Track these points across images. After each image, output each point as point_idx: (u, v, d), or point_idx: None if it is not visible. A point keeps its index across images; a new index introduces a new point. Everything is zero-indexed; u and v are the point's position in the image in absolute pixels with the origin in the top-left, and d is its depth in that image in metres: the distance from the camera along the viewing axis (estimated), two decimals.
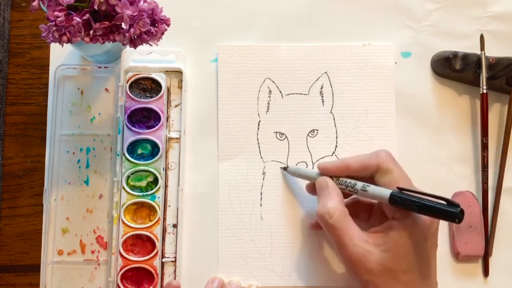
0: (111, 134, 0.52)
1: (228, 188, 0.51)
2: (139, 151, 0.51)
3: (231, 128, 0.52)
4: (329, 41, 0.54)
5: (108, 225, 0.51)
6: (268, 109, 0.53)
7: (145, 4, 0.43)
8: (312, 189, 0.47)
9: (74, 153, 0.52)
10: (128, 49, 0.51)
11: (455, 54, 0.52)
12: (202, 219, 0.51)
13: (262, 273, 0.50)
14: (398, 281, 0.40)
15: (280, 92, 0.53)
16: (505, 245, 0.51)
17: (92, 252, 0.51)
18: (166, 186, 0.51)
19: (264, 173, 0.52)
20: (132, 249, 0.50)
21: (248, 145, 0.52)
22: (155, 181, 0.51)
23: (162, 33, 0.45)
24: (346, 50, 0.54)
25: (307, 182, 0.49)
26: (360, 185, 0.43)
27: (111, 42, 0.43)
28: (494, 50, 0.52)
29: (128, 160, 0.50)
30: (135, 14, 0.42)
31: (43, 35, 0.41)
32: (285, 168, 0.51)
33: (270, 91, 0.53)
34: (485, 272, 0.50)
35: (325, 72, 0.53)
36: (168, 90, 0.53)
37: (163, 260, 0.50)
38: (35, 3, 0.41)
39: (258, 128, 0.52)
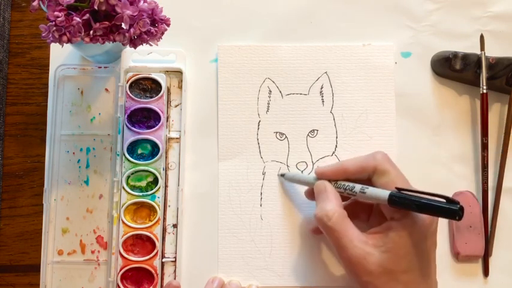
0: (111, 134, 0.52)
1: (228, 188, 0.51)
2: (139, 151, 0.51)
3: (231, 128, 0.52)
4: (329, 41, 0.54)
5: (108, 225, 0.51)
6: (268, 109, 0.53)
7: (145, 4, 0.43)
8: (311, 195, 0.47)
9: (74, 153, 0.52)
10: (128, 49, 0.51)
11: (455, 54, 0.52)
12: (202, 219, 0.51)
13: (262, 273, 0.50)
14: (399, 281, 0.40)
15: (280, 92, 0.53)
16: (505, 245, 0.51)
17: (92, 252, 0.51)
18: (166, 186, 0.51)
19: (264, 173, 0.52)
20: (132, 249, 0.50)
21: (248, 145, 0.52)
22: (155, 181, 0.51)
23: (162, 33, 0.45)
24: (346, 50, 0.54)
25: (306, 187, 0.49)
26: (358, 187, 0.43)
27: (111, 42, 0.43)
28: (494, 50, 0.52)
29: (128, 160, 0.50)
30: (135, 14, 0.42)
31: (43, 35, 0.41)
32: (282, 175, 0.51)
33: (270, 91, 0.53)
34: (485, 272, 0.50)
35: (325, 72, 0.53)
36: (168, 90, 0.53)
37: (163, 260, 0.50)
38: (35, 3, 0.41)
39: (258, 128, 0.52)
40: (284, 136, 0.52)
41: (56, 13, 0.40)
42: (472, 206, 0.50)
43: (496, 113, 0.53)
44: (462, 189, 0.51)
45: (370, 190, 0.42)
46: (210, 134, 0.52)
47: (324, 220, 0.42)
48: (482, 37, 0.52)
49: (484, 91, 0.51)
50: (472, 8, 0.55)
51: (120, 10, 0.41)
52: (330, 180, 0.45)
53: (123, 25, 0.42)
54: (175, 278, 0.49)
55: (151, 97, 0.52)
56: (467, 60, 0.51)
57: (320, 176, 0.46)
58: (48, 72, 0.54)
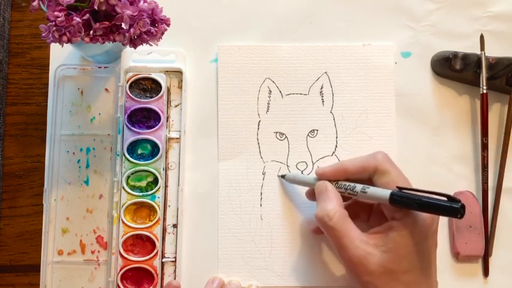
0: (111, 134, 0.52)
1: (228, 188, 0.51)
2: (139, 151, 0.51)
3: (231, 128, 0.52)
4: (329, 41, 0.54)
5: (108, 225, 0.51)
6: (268, 109, 0.53)
7: (145, 4, 0.43)
8: (312, 195, 0.47)
9: (74, 153, 0.52)
10: (128, 49, 0.51)
11: (455, 54, 0.52)
12: (202, 219, 0.51)
13: (262, 273, 0.50)
14: (399, 281, 0.40)
15: (280, 92, 0.53)
16: (505, 245, 0.51)
17: (92, 252, 0.51)
18: (166, 186, 0.51)
19: (264, 173, 0.52)
20: (132, 249, 0.50)
21: (248, 145, 0.52)
22: (155, 181, 0.51)
23: (162, 33, 0.45)
24: (346, 50, 0.54)
25: (306, 188, 0.49)
26: (359, 187, 0.43)
27: (111, 42, 0.43)
28: (494, 50, 0.52)
29: (128, 160, 0.50)
30: (135, 14, 0.42)
31: (43, 35, 0.41)
32: (283, 176, 0.51)
33: (270, 91, 0.53)
34: (485, 272, 0.50)
35: (325, 72, 0.53)
36: (168, 90, 0.53)
37: (163, 260, 0.50)
38: (35, 3, 0.41)
39: (258, 128, 0.52)
40: (284, 136, 0.52)
41: (56, 13, 0.40)
42: (472, 206, 0.50)
43: (496, 113, 0.53)
44: (462, 189, 0.51)
45: (371, 190, 0.42)
46: (210, 134, 0.52)
47: (325, 220, 0.42)
48: (482, 37, 0.52)
49: (484, 91, 0.51)
50: (472, 8, 0.55)
51: (120, 10, 0.41)
52: (330, 181, 0.45)
53: (123, 25, 0.42)
54: (175, 278, 0.49)
55: (151, 97, 0.52)
56: (467, 60, 0.51)
57: (321, 177, 0.46)
58: (48, 72, 0.54)
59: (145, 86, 0.52)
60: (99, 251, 0.51)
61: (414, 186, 0.42)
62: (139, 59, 0.53)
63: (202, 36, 0.54)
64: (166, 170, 0.51)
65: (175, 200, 0.51)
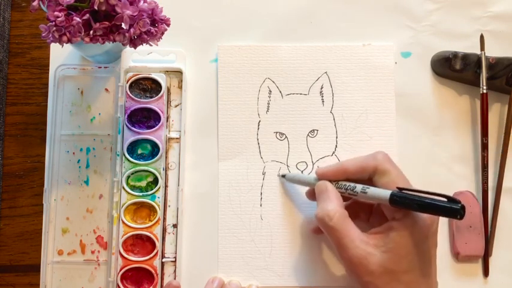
0: (111, 134, 0.52)
1: (228, 188, 0.51)
2: (139, 151, 0.51)
3: (231, 128, 0.52)
4: (329, 41, 0.54)
5: (108, 225, 0.51)
6: (268, 109, 0.53)
7: (145, 4, 0.43)
8: (312, 195, 0.47)
9: (74, 153, 0.52)
10: (128, 49, 0.51)
11: (455, 54, 0.52)
12: (202, 219, 0.51)
13: (262, 273, 0.50)
14: (400, 281, 0.40)
15: (280, 92, 0.53)
16: (505, 245, 0.51)
17: (92, 252, 0.51)
18: (166, 186, 0.51)
19: (264, 173, 0.52)
20: (132, 249, 0.50)
21: (248, 145, 0.52)
22: (155, 181, 0.51)
23: (162, 33, 0.45)
24: (346, 50, 0.54)
25: (306, 188, 0.49)
26: (359, 187, 0.43)
27: (111, 42, 0.43)
28: (494, 50, 0.52)
29: (128, 160, 0.50)
30: (135, 14, 0.42)
31: (43, 35, 0.41)
32: (283, 176, 0.51)
33: (270, 91, 0.53)
34: (485, 272, 0.50)
35: (325, 72, 0.53)
36: (168, 90, 0.53)
37: (163, 260, 0.50)
38: (35, 3, 0.41)
39: (258, 128, 0.52)
40: (284, 136, 0.52)
41: (56, 13, 0.40)
42: (472, 206, 0.50)
43: (496, 113, 0.53)
44: (462, 189, 0.51)
45: (372, 190, 0.42)
46: (210, 134, 0.52)
47: (326, 220, 0.42)
48: (482, 37, 0.52)
49: (484, 91, 0.51)
50: (472, 8, 0.55)
51: (120, 10, 0.41)
52: (331, 181, 0.45)
53: (123, 25, 0.42)
54: (175, 278, 0.49)
55: (151, 97, 0.52)
56: (467, 60, 0.51)
57: (321, 177, 0.46)
58: (48, 72, 0.54)
59: (145, 86, 0.52)
60: (99, 251, 0.51)
61: (414, 186, 0.42)
62: (139, 59, 0.53)
63: (202, 36, 0.54)
64: (166, 170, 0.51)
65: (175, 200, 0.51)
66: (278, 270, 0.50)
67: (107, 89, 0.53)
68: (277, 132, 0.52)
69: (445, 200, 0.37)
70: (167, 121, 0.52)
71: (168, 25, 0.45)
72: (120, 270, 0.49)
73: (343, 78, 0.53)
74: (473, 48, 0.52)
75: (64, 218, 0.51)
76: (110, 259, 0.50)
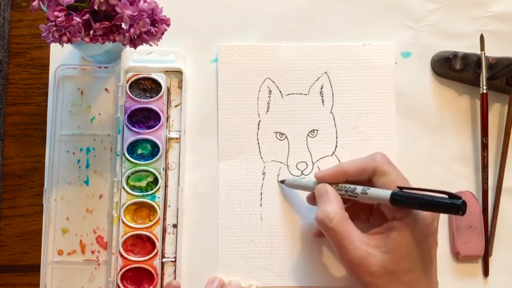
0: (111, 134, 0.52)
1: (228, 188, 0.51)
2: (139, 151, 0.51)
3: (231, 128, 0.52)
4: (329, 41, 0.54)
5: (108, 225, 0.51)
6: (268, 109, 0.53)
7: (145, 4, 0.43)
8: (313, 200, 0.47)
9: (74, 153, 0.52)
10: (128, 49, 0.51)
11: (455, 54, 0.52)
12: (202, 219, 0.51)
13: (262, 273, 0.50)
14: (400, 281, 0.40)
15: (280, 92, 0.53)
16: (505, 245, 0.51)
17: (92, 252, 0.51)
18: (166, 186, 0.51)
19: (264, 173, 0.52)
20: (132, 249, 0.50)
21: (248, 145, 0.52)
22: (155, 181, 0.51)
23: (162, 33, 0.45)
24: (346, 50, 0.54)
25: (306, 193, 0.49)
26: (359, 188, 0.43)
27: (111, 42, 0.43)
28: (494, 50, 0.52)
29: (128, 160, 0.50)
30: (135, 14, 0.42)
31: (43, 35, 0.41)
32: (282, 182, 0.51)
33: (270, 91, 0.53)
34: (485, 272, 0.50)
35: (325, 72, 0.53)
36: (168, 90, 0.53)
37: (163, 260, 0.50)
38: (35, 3, 0.41)
39: (258, 128, 0.52)
40: (284, 136, 0.52)
41: (56, 13, 0.40)
42: (472, 206, 0.50)
43: (496, 113, 0.53)
44: (462, 189, 0.51)
45: (372, 191, 0.42)
46: (210, 134, 0.52)
47: (326, 222, 0.42)
48: (482, 37, 0.52)
49: (484, 91, 0.51)
50: (472, 8, 0.55)
51: (120, 10, 0.41)
52: (330, 184, 0.45)
53: (123, 25, 0.42)
54: (175, 278, 0.49)
55: (151, 97, 0.52)
56: (467, 60, 0.51)
57: (320, 180, 0.46)
58: (48, 72, 0.54)
59: (145, 86, 0.52)
60: (99, 251, 0.51)
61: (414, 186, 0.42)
62: (139, 59, 0.53)
63: (202, 36, 0.54)
64: (166, 170, 0.51)
65: (175, 200, 0.51)
66: (278, 270, 0.50)
67: (107, 89, 0.53)
68: (277, 132, 0.52)
69: (445, 196, 0.37)
70: (167, 121, 0.52)
71: (168, 25, 0.45)
72: (120, 270, 0.49)
73: (343, 78, 0.53)
74: (473, 48, 0.52)
75: (64, 218, 0.51)
76: (110, 259, 0.50)
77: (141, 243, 0.50)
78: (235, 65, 0.53)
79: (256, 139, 0.52)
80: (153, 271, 0.49)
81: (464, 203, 0.36)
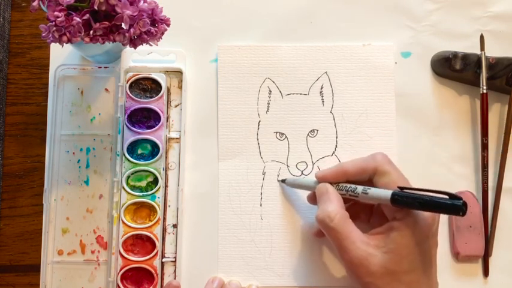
0: (111, 134, 0.52)
1: (228, 188, 0.51)
2: (139, 151, 0.51)
3: (231, 128, 0.52)
4: (329, 41, 0.54)
5: (108, 225, 0.51)
6: (268, 109, 0.53)
7: (145, 4, 0.43)
8: (313, 199, 0.47)
9: (74, 153, 0.52)
10: (128, 49, 0.51)
11: (455, 54, 0.52)
12: (202, 219, 0.51)
13: (262, 273, 0.50)
14: (401, 282, 0.40)
15: (280, 92, 0.53)
16: (505, 245, 0.51)
17: (92, 252, 0.51)
18: (166, 186, 0.51)
19: (264, 173, 0.52)
20: (132, 249, 0.50)
21: (248, 145, 0.52)
22: (155, 181, 0.51)
23: (162, 33, 0.45)
24: (346, 50, 0.54)
25: (307, 192, 0.49)
26: (360, 188, 0.43)
27: (111, 42, 0.43)
28: (494, 50, 0.52)
29: (128, 160, 0.50)
30: (135, 14, 0.42)
31: (43, 35, 0.41)
32: (283, 181, 0.51)
33: (270, 91, 0.53)
34: (485, 272, 0.50)
35: (325, 72, 0.53)
36: (168, 90, 0.53)
37: (163, 260, 0.50)
38: (35, 3, 0.41)
39: (258, 128, 0.52)
40: (284, 136, 0.52)
41: (56, 13, 0.40)
42: (472, 206, 0.50)
43: (496, 113, 0.53)
44: (462, 189, 0.51)
45: (373, 191, 0.42)
46: (210, 134, 0.52)
47: (326, 221, 0.42)
48: (482, 37, 0.52)
49: (484, 91, 0.51)
50: (472, 8, 0.55)
51: (120, 10, 0.41)
52: (331, 183, 0.45)
53: (123, 25, 0.42)
54: (175, 278, 0.49)
55: (151, 97, 0.52)
56: (467, 60, 0.51)
57: (321, 179, 0.46)
58: (48, 72, 0.54)
59: (145, 86, 0.52)
60: (99, 251, 0.51)
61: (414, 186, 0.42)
62: (139, 59, 0.53)
63: (202, 36, 0.54)
64: (166, 170, 0.51)
65: (175, 200, 0.51)
66: (278, 270, 0.50)
67: (107, 89, 0.53)
68: (277, 132, 0.52)
69: (446, 197, 0.37)
70: (167, 121, 0.52)
71: (168, 25, 0.45)
72: (120, 270, 0.49)
73: (343, 78, 0.53)
74: (473, 48, 0.52)
75: (64, 218, 0.51)
76: (110, 259, 0.50)
77: (141, 243, 0.50)
78: (235, 65, 0.53)
79: (256, 139, 0.52)
80: (153, 271, 0.49)
81: (464, 204, 0.36)
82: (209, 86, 0.53)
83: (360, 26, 0.54)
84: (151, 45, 0.45)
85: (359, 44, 0.54)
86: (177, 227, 0.50)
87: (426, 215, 0.41)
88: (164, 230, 0.50)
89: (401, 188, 0.40)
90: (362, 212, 0.48)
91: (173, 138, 0.52)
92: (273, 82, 0.53)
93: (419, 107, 0.53)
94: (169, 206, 0.51)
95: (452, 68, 0.52)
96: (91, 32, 0.41)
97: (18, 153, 0.53)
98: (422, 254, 0.41)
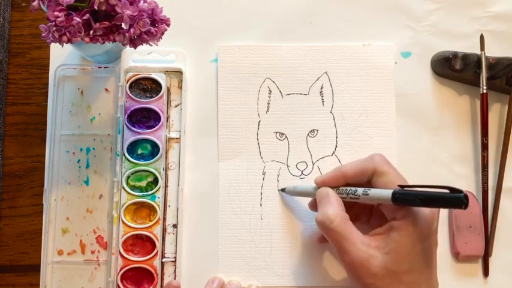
0: (111, 134, 0.52)
1: (228, 188, 0.51)
2: (139, 151, 0.51)
3: (231, 128, 0.52)
4: (329, 41, 0.54)
5: (108, 225, 0.51)
6: (268, 109, 0.53)
7: (145, 4, 0.43)
8: (315, 206, 0.47)
9: (74, 153, 0.52)
10: (128, 49, 0.51)
11: (455, 54, 0.52)
12: (202, 219, 0.51)
13: (262, 273, 0.50)
14: (401, 282, 0.40)
15: (280, 92, 0.53)
16: (505, 245, 0.51)
17: (92, 252, 0.51)
18: (166, 186, 0.51)
19: (264, 173, 0.52)
20: (132, 249, 0.50)
21: (248, 145, 0.52)
22: (155, 181, 0.51)
23: (162, 33, 0.45)
24: (346, 50, 0.54)
25: (307, 199, 0.49)
26: (360, 190, 0.43)
27: (111, 42, 0.43)
28: (494, 50, 0.52)
29: (128, 160, 0.50)
30: (135, 14, 0.42)
31: (43, 35, 0.41)
32: (283, 190, 0.51)
33: (270, 91, 0.53)
34: (485, 272, 0.50)
35: (325, 72, 0.53)
36: (168, 90, 0.53)
37: (163, 260, 0.50)
38: (35, 3, 0.41)
39: (258, 128, 0.52)
40: (284, 136, 0.52)
41: (56, 13, 0.40)
42: (472, 206, 0.50)
43: (496, 113, 0.53)
44: (462, 189, 0.51)
45: (373, 191, 0.42)
46: (210, 134, 0.52)
47: (326, 223, 0.42)
48: (482, 37, 0.52)
49: (484, 91, 0.51)
50: (472, 8, 0.55)
51: (120, 10, 0.41)
52: (331, 187, 0.45)
53: (123, 25, 0.42)
54: (175, 278, 0.49)
55: (151, 97, 0.52)
56: (467, 60, 0.51)
57: (320, 184, 0.46)
58: (48, 72, 0.54)
59: (145, 86, 0.52)
60: (99, 251, 0.51)
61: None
62: (139, 59, 0.53)
63: (202, 36, 0.54)
64: (166, 170, 0.51)
65: (175, 200, 0.51)
66: (278, 270, 0.50)
67: (107, 89, 0.53)
68: (277, 132, 0.52)
69: (447, 191, 0.37)
70: (167, 121, 0.52)
71: (168, 25, 0.45)
72: (120, 270, 0.49)
73: (343, 78, 0.53)
74: (473, 48, 0.52)
75: (64, 218, 0.51)
76: (110, 259, 0.50)
77: (141, 243, 0.50)
78: (235, 65, 0.53)
79: (256, 139, 0.52)
80: (153, 271, 0.49)
81: (466, 197, 0.35)
82: (209, 86, 0.53)
83: (360, 26, 0.54)
84: (151, 45, 0.45)
85: (359, 44, 0.54)
86: (177, 227, 0.50)
87: (426, 213, 0.41)
88: (164, 230, 0.50)
89: (402, 186, 0.40)
90: (361, 213, 0.48)
91: (173, 138, 0.52)
92: (273, 82, 0.53)
93: (419, 107, 0.53)
94: (169, 206, 0.51)
95: (452, 68, 0.52)
96: (91, 32, 0.41)
97: (18, 153, 0.53)
98: (423, 253, 0.41)
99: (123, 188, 0.50)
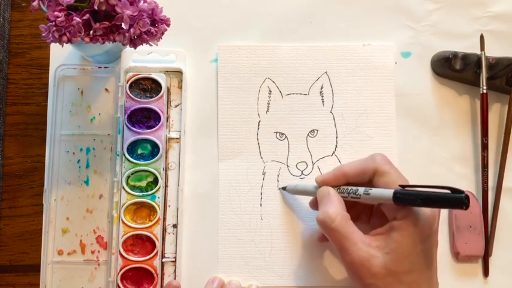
0: (111, 134, 0.52)
1: (228, 188, 0.51)
2: (139, 151, 0.51)
3: (231, 128, 0.52)
4: (329, 41, 0.54)
5: (108, 225, 0.51)
6: (268, 109, 0.53)
7: (145, 4, 0.43)
8: (315, 205, 0.47)
9: (74, 153, 0.52)
10: (128, 49, 0.51)
11: (455, 54, 0.52)
12: (202, 219, 0.51)
13: (262, 273, 0.50)
14: (402, 282, 0.40)
15: (280, 92, 0.53)
16: (505, 245, 0.51)
17: (92, 252, 0.51)
18: (166, 186, 0.51)
19: (264, 173, 0.52)
20: (132, 249, 0.50)
21: (248, 145, 0.52)
22: (155, 181, 0.51)
23: (162, 33, 0.45)
24: (346, 50, 0.54)
25: (307, 198, 0.49)
26: (361, 190, 0.43)
27: (111, 42, 0.43)
28: (494, 50, 0.52)
29: (128, 160, 0.50)
30: (135, 14, 0.42)
31: (43, 35, 0.41)
32: (284, 188, 0.51)
33: (270, 91, 0.53)
34: (485, 272, 0.50)
35: (325, 72, 0.53)
36: (168, 90, 0.53)
37: (163, 260, 0.50)
38: (35, 3, 0.41)
39: (258, 128, 0.52)
40: (284, 136, 0.52)
41: (56, 13, 0.40)
42: (472, 206, 0.50)
43: (496, 113, 0.53)
44: (462, 189, 0.51)
45: (374, 191, 0.42)
46: (210, 134, 0.52)
47: (327, 222, 0.42)
48: (482, 37, 0.52)
49: (484, 91, 0.51)
50: (472, 8, 0.55)
51: (120, 10, 0.41)
52: (332, 187, 0.45)
53: (123, 25, 0.42)
54: (175, 278, 0.49)
55: (151, 97, 0.52)
56: (467, 60, 0.51)
57: (321, 184, 0.46)
58: (48, 72, 0.54)
59: (145, 86, 0.52)
60: (99, 251, 0.51)
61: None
62: (139, 59, 0.53)
63: (202, 36, 0.54)
64: (166, 170, 0.51)
65: (175, 200, 0.51)
66: (278, 270, 0.50)
67: (107, 89, 0.53)
68: (277, 132, 0.52)
69: (448, 191, 0.37)
70: (167, 121, 0.52)
71: (168, 25, 0.45)
72: (120, 270, 0.49)
73: (343, 78, 0.53)
74: (473, 48, 0.52)
75: (64, 218, 0.51)
76: (110, 259, 0.50)
77: (141, 243, 0.50)
78: (235, 65, 0.53)
79: (256, 139, 0.52)
80: (153, 271, 0.49)
81: (467, 197, 0.36)
82: (209, 86, 0.53)
83: (360, 26, 0.54)
84: (151, 45, 0.45)
85: (359, 44, 0.54)
86: (177, 227, 0.50)
87: (427, 213, 0.41)
88: (164, 230, 0.50)
89: (403, 186, 0.40)
90: (362, 213, 0.48)
91: (173, 138, 0.52)
92: (273, 82, 0.53)
93: (419, 107, 0.53)
94: (169, 206, 0.51)
95: (452, 68, 0.52)
96: (91, 32, 0.41)
97: (18, 153, 0.53)
98: (423, 253, 0.41)
99: (123, 188, 0.50)
